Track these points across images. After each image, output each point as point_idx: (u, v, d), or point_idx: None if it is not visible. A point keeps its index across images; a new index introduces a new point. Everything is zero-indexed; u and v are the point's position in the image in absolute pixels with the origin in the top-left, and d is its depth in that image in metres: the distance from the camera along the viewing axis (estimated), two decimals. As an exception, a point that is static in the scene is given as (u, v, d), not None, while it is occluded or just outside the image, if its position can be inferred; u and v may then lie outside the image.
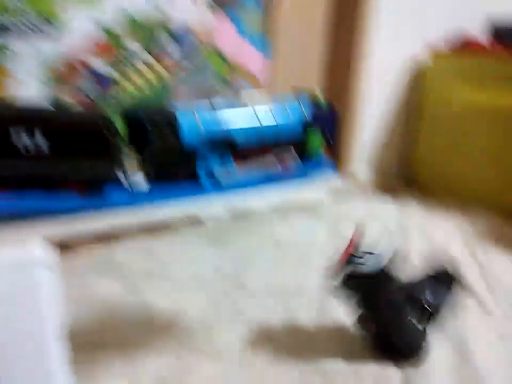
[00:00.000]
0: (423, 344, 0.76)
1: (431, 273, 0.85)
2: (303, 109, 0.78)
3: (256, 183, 0.77)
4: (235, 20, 1.36)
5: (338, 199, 1.53)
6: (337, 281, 0.73)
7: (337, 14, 1.54)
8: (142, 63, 1.23)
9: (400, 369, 0.75)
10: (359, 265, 0.72)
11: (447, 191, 1.60)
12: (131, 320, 0.88)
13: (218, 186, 0.72)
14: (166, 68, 1.27)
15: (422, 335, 0.76)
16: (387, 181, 1.71)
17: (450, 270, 0.87)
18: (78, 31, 1.14)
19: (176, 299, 0.94)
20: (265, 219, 1.36)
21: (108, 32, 1.18)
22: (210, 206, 1.33)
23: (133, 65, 1.22)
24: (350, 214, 1.42)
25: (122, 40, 1.20)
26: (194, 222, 1.32)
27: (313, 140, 0.79)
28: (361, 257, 0.73)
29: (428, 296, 0.78)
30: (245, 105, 0.74)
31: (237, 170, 0.73)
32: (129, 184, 0.66)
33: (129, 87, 1.23)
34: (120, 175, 0.65)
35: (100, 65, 1.19)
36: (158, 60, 1.26)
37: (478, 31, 1.69)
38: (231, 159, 0.72)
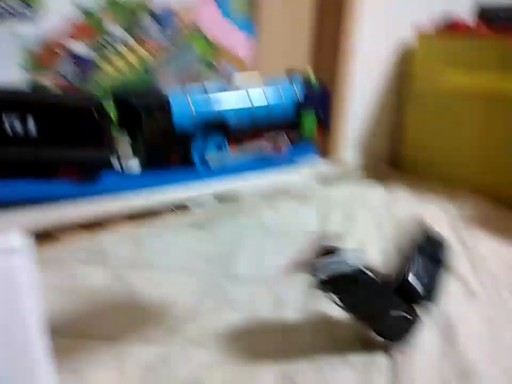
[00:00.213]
0: (409, 330, 0.76)
1: (419, 244, 0.85)
2: (296, 90, 0.78)
3: (248, 167, 0.77)
4: (219, 1, 1.32)
5: (326, 184, 1.52)
6: (312, 282, 0.73)
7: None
8: (123, 46, 1.20)
9: (388, 355, 0.75)
10: (329, 268, 0.71)
11: (434, 175, 1.60)
12: (118, 309, 0.87)
13: (211, 170, 0.71)
14: (148, 50, 1.24)
15: (408, 323, 0.76)
16: (375, 165, 1.71)
17: (437, 238, 0.87)
18: (57, 13, 1.10)
19: (163, 287, 0.93)
20: (253, 205, 1.35)
21: (88, 14, 1.14)
22: (201, 191, 1.31)
23: (114, 48, 1.19)
24: (338, 199, 1.42)
25: (103, 22, 1.16)
26: (182, 209, 1.31)
27: (307, 120, 0.78)
28: (328, 260, 0.72)
29: (418, 279, 0.77)
30: (236, 87, 0.74)
31: (231, 153, 0.72)
32: (122, 169, 0.65)
33: (111, 71, 1.20)
34: (113, 159, 0.63)
35: (80, 48, 1.15)
36: (140, 43, 1.22)
37: (465, 13, 1.68)
38: (225, 141, 0.71)
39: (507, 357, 0.76)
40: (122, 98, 0.66)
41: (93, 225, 1.17)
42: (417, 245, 0.85)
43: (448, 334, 0.80)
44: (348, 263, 0.71)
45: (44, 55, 1.11)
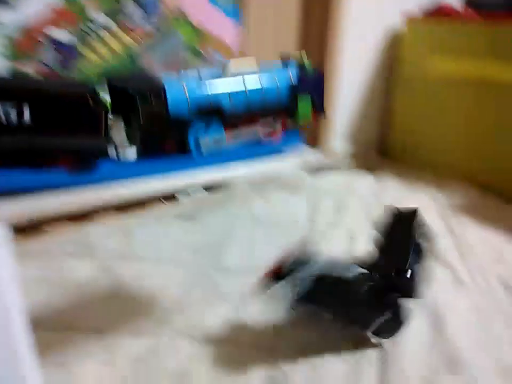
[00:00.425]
0: (400, 327, 0.75)
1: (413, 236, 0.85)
2: (291, 75, 0.77)
3: (240, 155, 0.77)
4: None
5: (316, 174, 1.52)
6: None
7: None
8: (107, 33, 1.17)
9: (377, 345, 0.75)
10: (295, 285, 0.70)
11: (423, 162, 1.61)
12: (106, 301, 0.86)
13: (206, 156, 0.71)
14: (132, 37, 1.22)
15: (398, 321, 0.75)
16: (365, 154, 1.71)
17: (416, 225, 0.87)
18: (37, 0, 1.07)
19: (152, 279, 0.92)
20: (242, 194, 1.34)
21: (70, 0, 1.11)
22: (191, 180, 1.30)
23: (97, 35, 1.16)
24: (328, 188, 1.42)
25: (86, 9, 1.13)
26: (170, 200, 1.30)
27: (302, 105, 0.78)
28: (293, 272, 0.71)
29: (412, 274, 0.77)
30: (231, 72, 0.73)
31: (227, 138, 0.72)
32: (118, 157, 0.64)
33: (95, 58, 1.17)
34: (108, 147, 0.63)
35: (62, 35, 1.12)
36: (124, 30, 1.20)
37: (453, -1, 1.68)
38: (221, 127, 0.71)
39: (495, 345, 0.76)
40: (116, 84, 0.66)
41: (80, 217, 1.16)
42: (411, 237, 0.85)
43: (437, 323, 0.81)
44: (310, 275, 0.70)
45: (24, 43, 1.08)
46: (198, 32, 1.32)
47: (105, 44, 1.17)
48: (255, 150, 0.79)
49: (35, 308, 0.82)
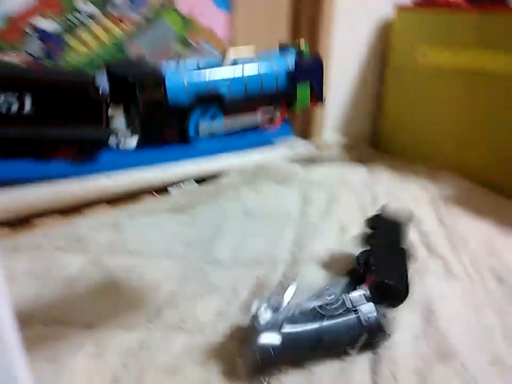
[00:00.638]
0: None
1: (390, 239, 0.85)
2: (290, 62, 0.78)
3: (235, 145, 0.77)
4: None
5: (308, 166, 1.51)
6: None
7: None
8: (94, 22, 1.15)
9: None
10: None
11: (414, 152, 1.61)
12: (97, 295, 0.85)
13: (205, 143, 0.71)
14: (120, 27, 1.20)
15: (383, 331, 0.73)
16: (356, 146, 1.70)
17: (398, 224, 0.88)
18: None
19: (144, 273, 0.92)
20: (234, 187, 1.33)
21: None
22: (184, 171, 1.29)
23: (84, 24, 1.14)
24: (320, 180, 1.41)
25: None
26: (162, 193, 1.29)
27: (301, 92, 0.78)
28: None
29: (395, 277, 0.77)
30: (231, 60, 0.73)
31: (226, 125, 0.72)
32: (118, 146, 0.64)
33: (81, 48, 1.15)
34: (109, 136, 0.62)
35: (48, 25, 1.10)
36: (111, 19, 1.18)
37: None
38: (221, 114, 0.71)
39: (487, 337, 0.77)
40: (115, 72, 0.65)
41: (70, 211, 1.14)
42: (389, 240, 0.85)
43: (429, 314, 0.81)
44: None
45: (9, 33, 1.06)
46: (186, 21, 1.30)
47: (92, 34, 1.15)
48: (246, 141, 0.79)
49: (25, 302, 0.81)
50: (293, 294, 0.70)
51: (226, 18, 1.38)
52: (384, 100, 1.71)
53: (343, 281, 0.80)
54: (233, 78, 0.71)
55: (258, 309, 0.68)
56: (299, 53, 0.80)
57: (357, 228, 1.01)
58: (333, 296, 0.72)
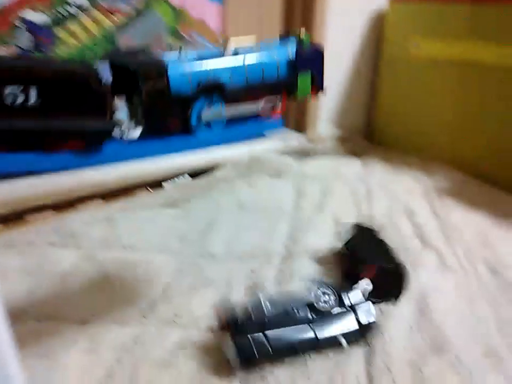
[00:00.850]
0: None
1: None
2: (290, 51, 0.78)
3: (229, 137, 0.77)
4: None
5: (302, 158, 1.51)
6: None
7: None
8: (83, 13, 1.13)
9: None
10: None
11: (408, 144, 1.61)
12: (91, 290, 0.85)
13: (208, 133, 0.71)
14: (110, 19, 1.18)
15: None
16: (350, 138, 1.70)
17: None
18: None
19: (137, 267, 0.91)
20: (228, 180, 1.33)
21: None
22: (179, 164, 1.29)
23: (73, 15, 1.12)
24: (314, 173, 1.41)
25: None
26: (156, 187, 1.28)
27: (301, 81, 0.79)
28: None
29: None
30: (232, 50, 0.74)
31: (227, 113, 0.72)
32: (121, 136, 0.64)
33: (71, 41, 1.13)
34: (114, 127, 0.62)
35: (37, 17, 1.08)
36: (101, 11, 1.16)
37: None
38: (222, 103, 0.71)
39: (481, 328, 0.77)
40: (118, 62, 0.65)
41: (63, 206, 1.13)
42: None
43: (422, 306, 0.81)
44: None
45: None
46: (178, 13, 1.29)
47: (82, 25, 1.14)
48: (240, 133, 0.79)
49: (18, 298, 0.80)
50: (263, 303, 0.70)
51: (219, 10, 1.36)
52: (377, 91, 1.70)
53: (337, 277, 0.81)
54: (235, 67, 0.72)
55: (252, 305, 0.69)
56: (300, 42, 0.80)
57: (351, 220, 1.01)
58: (327, 296, 0.73)
